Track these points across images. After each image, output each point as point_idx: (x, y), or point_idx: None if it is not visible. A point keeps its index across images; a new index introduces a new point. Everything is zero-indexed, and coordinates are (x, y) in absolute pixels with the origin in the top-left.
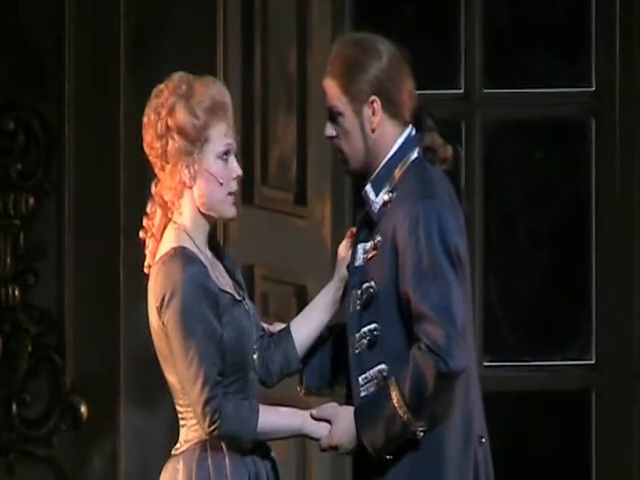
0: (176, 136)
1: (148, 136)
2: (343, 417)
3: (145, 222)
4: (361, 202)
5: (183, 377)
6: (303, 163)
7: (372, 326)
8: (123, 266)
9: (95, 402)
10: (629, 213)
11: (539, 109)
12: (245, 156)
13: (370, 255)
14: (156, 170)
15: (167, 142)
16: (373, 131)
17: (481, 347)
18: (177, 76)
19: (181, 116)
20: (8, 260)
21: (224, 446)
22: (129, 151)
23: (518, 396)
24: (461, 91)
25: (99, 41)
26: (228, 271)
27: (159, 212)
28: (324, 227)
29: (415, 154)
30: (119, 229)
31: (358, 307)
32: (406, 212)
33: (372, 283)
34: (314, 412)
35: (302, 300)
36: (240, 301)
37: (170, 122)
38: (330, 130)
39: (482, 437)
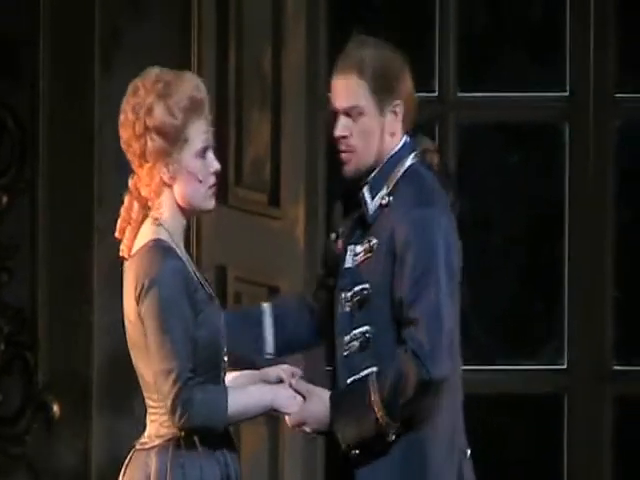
0: (155, 136)
1: (125, 134)
2: (319, 397)
3: (123, 211)
4: (346, 204)
5: (156, 370)
6: (277, 163)
7: (364, 328)
8: (97, 265)
9: (68, 401)
10: (602, 217)
11: (513, 113)
12: (219, 156)
13: (364, 257)
14: (134, 166)
15: (146, 142)
16: (392, 135)
17: None
18: (153, 73)
19: (160, 116)
20: None
21: (198, 445)
22: (103, 148)
23: (490, 400)
24: (435, 94)
25: (73, 37)
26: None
27: (136, 206)
28: (297, 228)
29: (411, 159)
30: (92, 227)
31: (348, 309)
32: (407, 218)
33: (367, 285)
34: (293, 381)
35: None
36: (213, 298)
37: (149, 122)
38: (343, 130)
39: (466, 451)
